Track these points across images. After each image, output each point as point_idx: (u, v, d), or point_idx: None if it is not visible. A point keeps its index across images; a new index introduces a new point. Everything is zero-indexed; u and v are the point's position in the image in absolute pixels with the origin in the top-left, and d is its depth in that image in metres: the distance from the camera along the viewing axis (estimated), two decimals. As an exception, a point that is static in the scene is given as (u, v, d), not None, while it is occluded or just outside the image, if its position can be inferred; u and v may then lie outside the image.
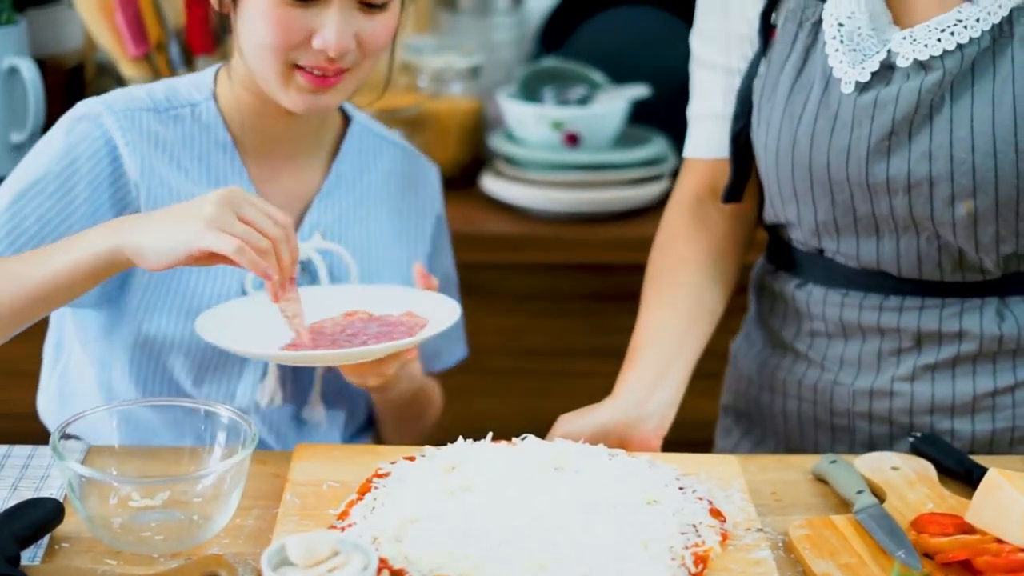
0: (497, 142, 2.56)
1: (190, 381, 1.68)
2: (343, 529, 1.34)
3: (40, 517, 1.35)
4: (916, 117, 1.58)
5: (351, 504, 1.39)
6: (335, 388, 1.73)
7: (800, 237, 1.72)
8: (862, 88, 1.60)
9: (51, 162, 1.60)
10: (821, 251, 1.71)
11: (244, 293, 1.66)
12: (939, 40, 1.57)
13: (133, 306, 1.65)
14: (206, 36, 2.37)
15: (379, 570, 1.25)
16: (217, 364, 1.67)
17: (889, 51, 1.60)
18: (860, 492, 1.47)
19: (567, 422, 1.62)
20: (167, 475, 1.45)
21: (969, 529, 1.39)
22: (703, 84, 1.78)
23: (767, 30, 1.69)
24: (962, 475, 1.54)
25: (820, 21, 1.64)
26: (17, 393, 1.88)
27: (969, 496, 1.44)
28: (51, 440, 1.36)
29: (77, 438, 1.47)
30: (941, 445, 1.60)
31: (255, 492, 1.46)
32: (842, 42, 1.62)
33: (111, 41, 2.40)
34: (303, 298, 1.58)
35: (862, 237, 1.66)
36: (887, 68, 1.60)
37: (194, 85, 1.69)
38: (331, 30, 1.55)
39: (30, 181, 1.59)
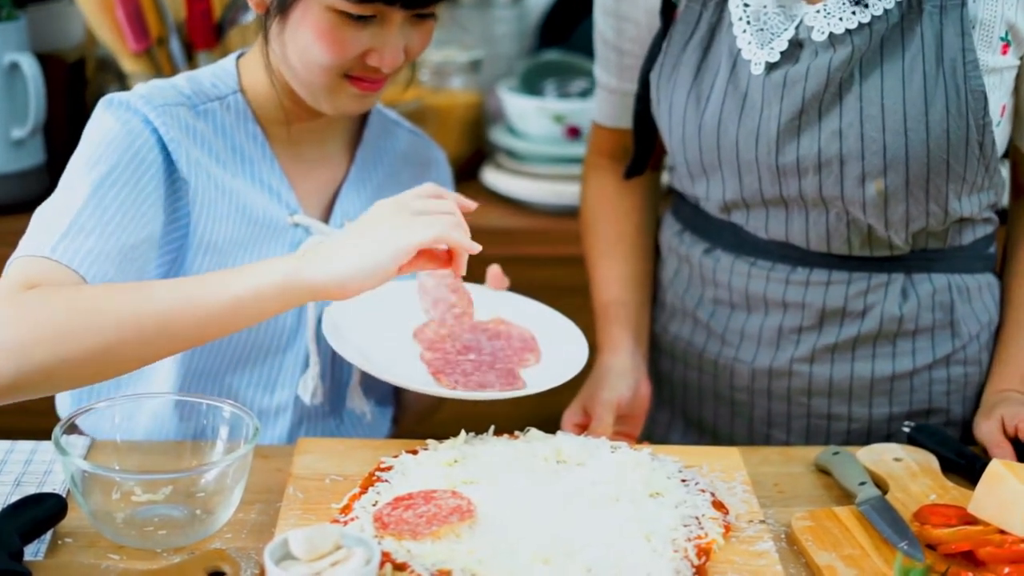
0: (498, 136, 2.56)
1: (230, 374, 1.66)
2: (345, 523, 1.34)
3: (43, 512, 1.35)
4: (826, 95, 1.57)
5: (354, 498, 1.39)
6: (372, 379, 1.72)
7: (709, 208, 1.73)
8: (770, 68, 1.59)
9: (117, 153, 1.54)
10: (731, 222, 1.71)
11: None
12: (853, 13, 1.55)
13: None
14: (207, 31, 2.37)
15: (381, 564, 1.25)
16: (256, 358, 1.66)
17: (799, 27, 1.58)
18: (863, 483, 1.47)
19: (600, 401, 1.67)
20: (170, 470, 1.45)
21: (972, 520, 1.39)
22: (600, 55, 1.80)
23: (668, 10, 1.67)
24: (963, 466, 1.54)
25: (725, 0, 1.63)
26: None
27: (971, 487, 1.44)
28: (53, 435, 1.36)
29: (80, 433, 1.47)
30: (939, 436, 1.60)
31: (258, 486, 1.46)
32: (749, 22, 1.60)
33: (112, 36, 2.39)
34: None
35: (771, 212, 1.66)
36: (795, 46, 1.58)
37: (217, 78, 1.66)
38: (390, 51, 1.54)
39: (103, 172, 1.52)
